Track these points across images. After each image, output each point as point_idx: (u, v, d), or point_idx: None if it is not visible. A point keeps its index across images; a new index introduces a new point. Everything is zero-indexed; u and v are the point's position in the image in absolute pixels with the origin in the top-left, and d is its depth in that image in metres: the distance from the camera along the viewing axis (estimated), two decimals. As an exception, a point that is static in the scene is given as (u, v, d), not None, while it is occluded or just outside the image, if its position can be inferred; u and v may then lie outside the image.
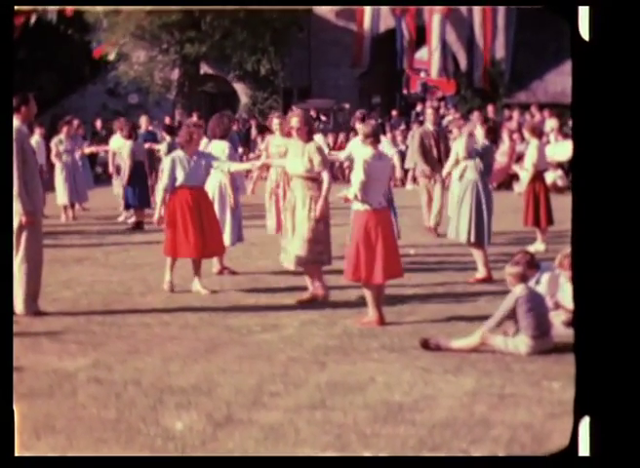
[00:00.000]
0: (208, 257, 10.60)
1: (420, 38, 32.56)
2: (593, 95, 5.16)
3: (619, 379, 5.06)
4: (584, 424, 5.04)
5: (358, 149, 10.58)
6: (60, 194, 17.53)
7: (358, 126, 11.39)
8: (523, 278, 7.89)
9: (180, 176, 10.08)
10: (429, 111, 15.65)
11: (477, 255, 10.83)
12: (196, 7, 25.07)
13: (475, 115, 14.84)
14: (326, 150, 10.54)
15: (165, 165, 10.26)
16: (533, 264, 8.60)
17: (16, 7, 5.99)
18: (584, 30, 5.17)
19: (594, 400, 5.06)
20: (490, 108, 27.12)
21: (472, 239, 10.74)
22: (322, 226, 9.45)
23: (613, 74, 5.14)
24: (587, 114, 5.20)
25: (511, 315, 7.72)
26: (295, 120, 9.66)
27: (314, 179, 9.49)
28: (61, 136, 17.75)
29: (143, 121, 19.06)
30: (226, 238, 11.03)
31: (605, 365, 5.08)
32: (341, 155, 12.59)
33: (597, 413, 5.04)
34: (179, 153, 10.24)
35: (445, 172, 12.13)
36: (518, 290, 7.79)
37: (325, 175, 9.48)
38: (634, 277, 5.09)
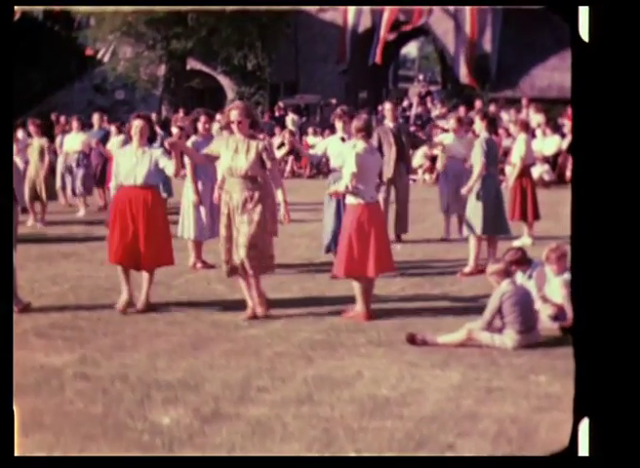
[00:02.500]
0: (133, 268, 9.14)
1: (406, 34, 32.62)
2: (593, 95, 5.17)
3: (618, 380, 5.06)
4: (584, 425, 5.05)
5: (335, 145, 10.59)
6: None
7: (338, 123, 10.76)
8: (506, 274, 7.89)
9: (120, 175, 9.01)
10: (388, 106, 13.90)
11: (472, 248, 10.84)
12: (192, 7, 24.96)
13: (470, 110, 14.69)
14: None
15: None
16: (524, 260, 8.63)
17: (15, 7, 5.96)
18: (584, 30, 5.18)
19: (594, 400, 5.07)
20: (461, 107, 27.10)
21: (465, 230, 11.01)
22: (265, 230, 8.60)
23: (612, 74, 5.15)
24: (587, 114, 5.20)
25: (498, 311, 7.74)
26: (234, 113, 8.57)
27: (254, 179, 8.57)
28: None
29: (96, 119, 18.21)
30: (190, 231, 11.07)
31: (604, 365, 5.08)
32: (318, 151, 11.22)
33: (597, 414, 5.04)
34: (125, 148, 9.37)
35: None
36: (503, 286, 7.80)
37: (279, 177, 8.92)
38: (634, 276, 5.09)
